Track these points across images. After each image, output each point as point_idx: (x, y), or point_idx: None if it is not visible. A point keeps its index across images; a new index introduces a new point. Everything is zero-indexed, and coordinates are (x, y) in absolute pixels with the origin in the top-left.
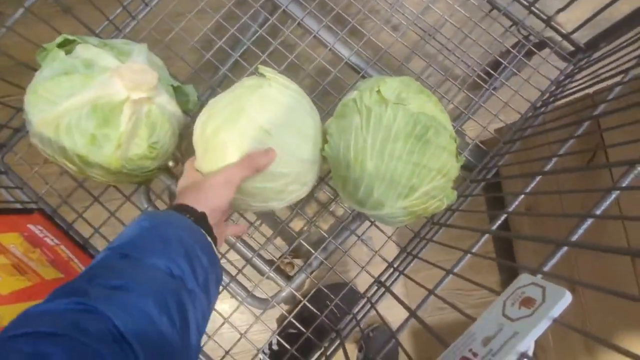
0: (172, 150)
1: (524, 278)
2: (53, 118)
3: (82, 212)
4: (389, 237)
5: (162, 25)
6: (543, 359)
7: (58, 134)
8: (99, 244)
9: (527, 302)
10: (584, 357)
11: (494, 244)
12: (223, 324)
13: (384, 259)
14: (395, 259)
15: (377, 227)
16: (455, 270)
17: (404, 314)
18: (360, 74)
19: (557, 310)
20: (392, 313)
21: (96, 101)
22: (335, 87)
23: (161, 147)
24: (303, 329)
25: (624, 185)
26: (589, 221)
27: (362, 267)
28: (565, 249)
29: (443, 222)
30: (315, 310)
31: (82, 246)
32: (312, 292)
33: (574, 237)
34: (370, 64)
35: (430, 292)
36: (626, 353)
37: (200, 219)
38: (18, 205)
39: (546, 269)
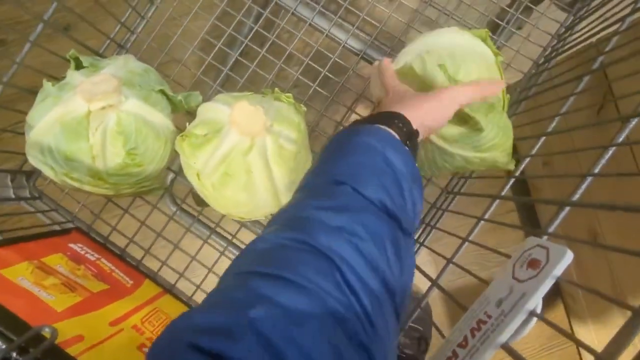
0: (166, 153)
1: (530, 241)
2: (34, 142)
3: (115, 225)
4: None
5: (161, 36)
6: (574, 308)
7: (44, 155)
8: (135, 253)
9: (533, 263)
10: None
11: (517, 206)
12: None
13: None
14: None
15: None
16: (471, 237)
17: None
18: (360, 56)
19: (560, 269)
20: (424, 281)
21: (63, 119)
22: (336, 72)
23: (144, 151)
24: None
25: (619, 140)
26: (589, 179)
27: None
28: (567, 209)
29: (457, 191)
30: None
31: (120, 256)
32: None
33: (575, 197)
34: (368, 43)
35: (449, 261)
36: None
37: (411, 137)
38: (56, 227)
39: (550, 230)
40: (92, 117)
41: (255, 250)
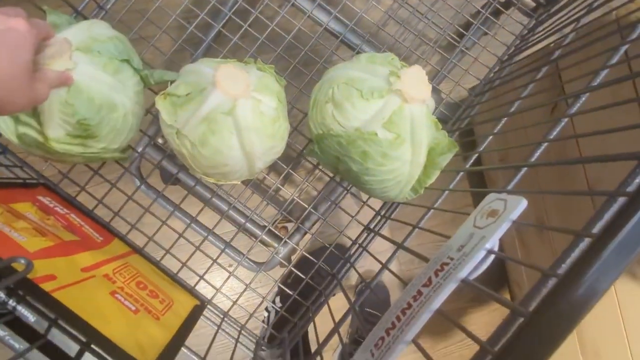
0: (125, 126)
1: (490, 197)
2: None
3: (84, 185)
4: None
5: (143, 2)
6: (519, 295)
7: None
8: (104, 214)
9: (492, 213)
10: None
11: (470, 184)
12: (228, 278)
13: (372, 208)
14: (382, 207)
15: None
16: (435, 206)
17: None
18: (339, 39)
19: (516, 213)
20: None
21: None
22: (315, 53)
23: (99, 122)
24: (303, 276)
25: (571, 112)
26: (543, 146)
27: (353, 217)
28: (524, 170)
29: None
30: (314, 259)
31: (89, 215)
32: (307, 253)
33: (531, 160)
34: (348, 28)
35: (415, 226)
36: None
37: None
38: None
39: (510, 187)
40: None
41: None
